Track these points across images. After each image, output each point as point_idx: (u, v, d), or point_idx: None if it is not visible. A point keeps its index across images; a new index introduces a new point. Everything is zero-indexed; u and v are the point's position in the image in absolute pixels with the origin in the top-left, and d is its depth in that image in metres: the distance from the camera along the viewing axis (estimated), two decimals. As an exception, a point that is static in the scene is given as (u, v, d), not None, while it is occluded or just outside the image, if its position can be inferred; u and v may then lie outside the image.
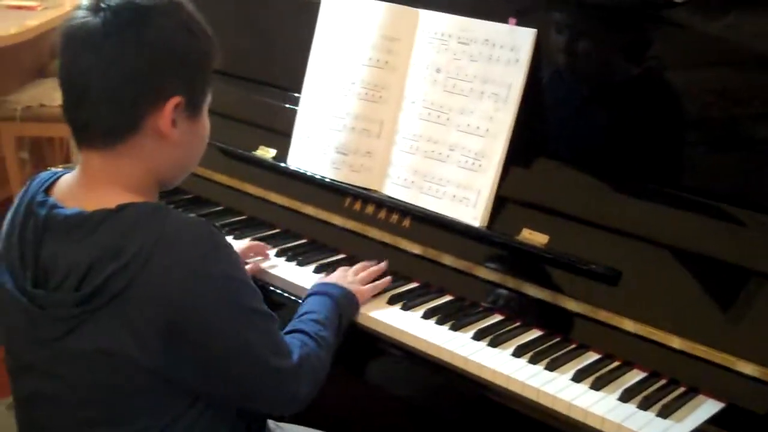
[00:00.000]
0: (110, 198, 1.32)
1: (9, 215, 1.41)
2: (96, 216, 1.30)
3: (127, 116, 1.32)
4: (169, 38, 1.32)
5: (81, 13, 1.32)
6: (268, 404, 1.47)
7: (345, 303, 1.64)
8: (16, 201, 1.42)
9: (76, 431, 1.36)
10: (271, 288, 1.81)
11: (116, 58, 1.29)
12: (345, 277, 1.73)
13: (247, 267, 1.82)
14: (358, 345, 1.65)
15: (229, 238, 1.92)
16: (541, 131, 1.77)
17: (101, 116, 1.31)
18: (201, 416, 1.39)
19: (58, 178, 1.41)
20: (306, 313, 1.59)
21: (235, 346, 1.34)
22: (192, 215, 1.98)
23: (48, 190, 1.39)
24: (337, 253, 1.90)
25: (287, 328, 1.53)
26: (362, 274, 1.75)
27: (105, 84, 1.29)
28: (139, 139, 1.33)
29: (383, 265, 1.81)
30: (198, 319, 1.29)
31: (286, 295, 1.79)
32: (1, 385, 2.26)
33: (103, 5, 1.31)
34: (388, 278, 1.78)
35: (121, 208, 1.30)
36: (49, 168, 1.49)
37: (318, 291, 1.66)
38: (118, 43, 1.29)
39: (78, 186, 1.38)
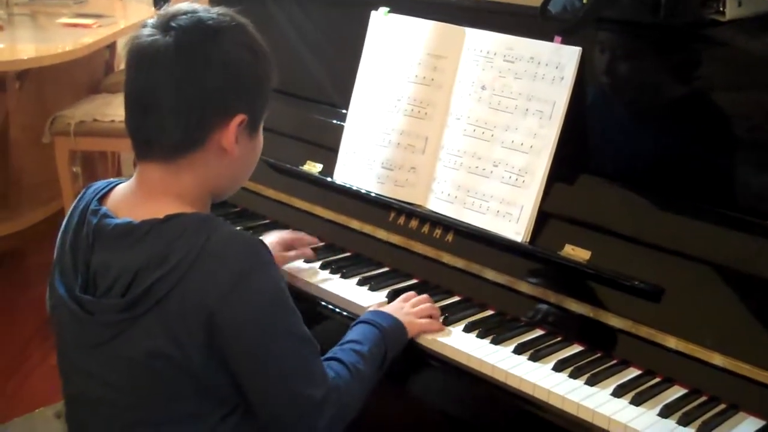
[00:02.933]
0: (164, 209, 1.35)
1: (64, 222, 1.45)
2: (144, 225, 1.33)
3: (194, 132, 1.35)
4: (236, 58, 1.36)
5: (148, 31, 1.35)
6: (282, 429, 1.45)
7: (393, 336, 1.60)
8: (71, 208, 1.46)
9: None
10: (317, 300, 1.83)
11: (187, 76, 1.32)
12: (401, 307, 1.69)
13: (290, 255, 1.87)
14: (399, 356, 1.66)
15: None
16: (584, 148, 1.78)
17: (167, 131, 1.35)
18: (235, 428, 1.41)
19: (113, 187, 1.45)
20: (349, 341, 1.56)
21: (266, 364, 1.36)
22: (240, 229, 2.04)
23: (102, 199, 1.43)
24: (381, 267, 1.92)
25: (327, 355, 1.51)
26: (421, 307, 1.69)
27: (174, 101, 1.33)
28: (201, 155, 1.37)
29: (437, 312, 1.72)
30: (232, 331, 1.32)
31: (330, 307, 1.81)
32: (49, 392, 2.31)
33: (173, 24, 1.34)
34: (437, 313, 1.71)
35: (169, 218, 1.33)
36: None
37: (368, 320, 1.62)
38: (189, 62, 1.33)
39: (133, 196, 1.41)
